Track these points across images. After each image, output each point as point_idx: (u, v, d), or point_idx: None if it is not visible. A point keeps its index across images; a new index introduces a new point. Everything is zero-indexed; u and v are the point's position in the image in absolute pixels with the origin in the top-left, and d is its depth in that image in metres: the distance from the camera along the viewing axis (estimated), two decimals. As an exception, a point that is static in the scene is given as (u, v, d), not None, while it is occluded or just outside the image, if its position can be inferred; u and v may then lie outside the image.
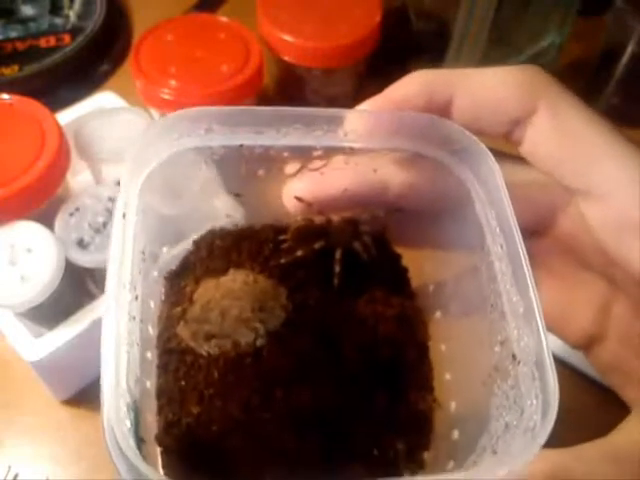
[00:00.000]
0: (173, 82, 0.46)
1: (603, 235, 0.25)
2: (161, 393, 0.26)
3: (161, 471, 0.24)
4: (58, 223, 0.39)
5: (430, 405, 0.27)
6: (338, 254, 0.28)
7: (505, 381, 0.22)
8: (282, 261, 0.28)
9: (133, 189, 0.24)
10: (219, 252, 0.29)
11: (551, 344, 0.40)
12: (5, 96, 0.42)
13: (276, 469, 0.24)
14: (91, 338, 0.40)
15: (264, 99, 0.53)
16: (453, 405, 0.27)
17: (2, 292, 0.37)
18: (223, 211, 0.30)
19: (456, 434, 0.25)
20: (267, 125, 0.25)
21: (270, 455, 0.25)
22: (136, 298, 0.23)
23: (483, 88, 0.26)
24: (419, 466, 0.26)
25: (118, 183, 0.45)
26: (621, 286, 0.26)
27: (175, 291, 0.28)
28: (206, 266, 0.29)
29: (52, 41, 0.59)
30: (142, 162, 0.24)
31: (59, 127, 0.41)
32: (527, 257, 0.22)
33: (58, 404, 0.43)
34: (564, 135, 0.25)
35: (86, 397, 0.43)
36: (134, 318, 0.23)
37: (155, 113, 0.48)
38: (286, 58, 0.50)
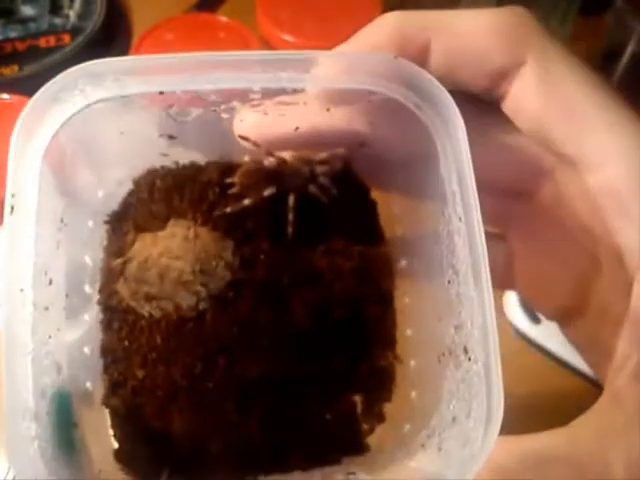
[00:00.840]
0: (173, 82, 0.46)
1: (592, 205, 0.23)
2: (105, 352, 0.25)
3: (110, 432, 0.24)
4: (58, 223, 0.39)
5: (391, 361, 0.26)
6: (291, 200, 0.25)
7: (457, 369, 0.21)
8: (228, 210, 0.25)
9: (29, 163, 0.21)
10: (160, 195, 0.26)
11: (551, 344, 0.41)
12: (5, 96, 0.42)
13: (218, 439, 0.23)
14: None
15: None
16: (412, 363, 0.25)
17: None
18: (156, 150, 0.27)
19: (414, 394, 0.24)
20: (193, 71, 0.23)
21: (212, 425, 0.24)
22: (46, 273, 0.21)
23: (463, 34, 0.23)
24: (378, 420, 0.25)
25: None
26: (603, 260, 0.24)
27: (117, 237, 0.26)
28: (147, 209, 0.26)
29: (52, 41, 0.59)
30: (39, 127, 0.22)
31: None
32: (485, 246, 0.20)
33: (58, 404, 0.43)
34: (554, 94, 0.22)
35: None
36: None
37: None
38: (286, 58, 0.50)
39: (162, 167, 0.27)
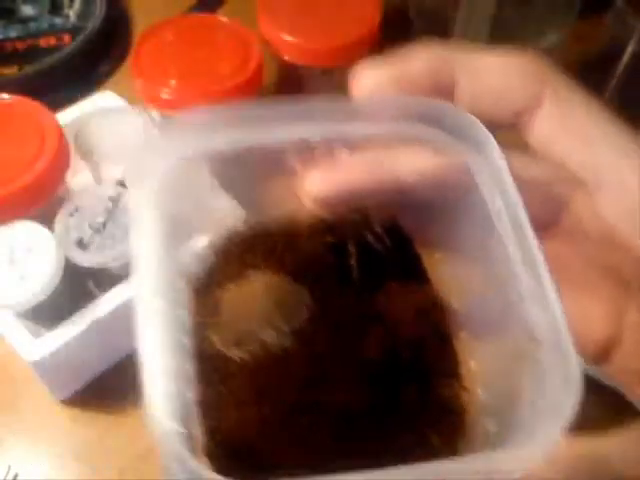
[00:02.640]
0: (173, 82, 0.46)
1: (615, 224, 0.24)
2: (200, 402, 0.26)
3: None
4: (58, 223, 0.39)
5: (458, 392, 0.26)
6: (352, 247, 0.28)
7: (529, 367, 0.22)
8: (297, 258, 0.28)
9: (144, 200, 0.23)
10: (234, 256, 0.29)
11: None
12: (5, 96, 0.43)
13: (314, 467, 0.24)
14: (91, 338, 0.40)
15: (264, 99, 0.53)
16: (481, 392, 0.26)
17: (2, 292, 0.37)
18: (228, 212, 0.30)
19: (487, 423, 0.25)
20: (269, 122, 0.24)
21: (307, 455, 0.25)
22: (165, 309, 0.24)
23: (487, 75, 0.25)
24: (455, 455, 0.25)
25: (118, 183, 0.45)
26: (633, 284, 0.25)
27: (200, 299, 0.28)
28: (225, 271, 0.29)
29: (52, 41, 0.59)
30: (148, 171, 0.24)
31: (59, 127, 0.41)
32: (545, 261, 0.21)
33: (58, 404, 0.43)
34: (570, 126, 0.25)
35: (86, 397, 0.43)
36: (167, 329, 0.23)
37: (155, 113, 0.48)
38: (286, 58, 0.50)
39: (233, 230, 0.29)
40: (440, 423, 0.26)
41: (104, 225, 0.39)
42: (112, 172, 0.45)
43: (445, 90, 0.25)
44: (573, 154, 0.25)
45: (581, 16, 0.59)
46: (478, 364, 0.27)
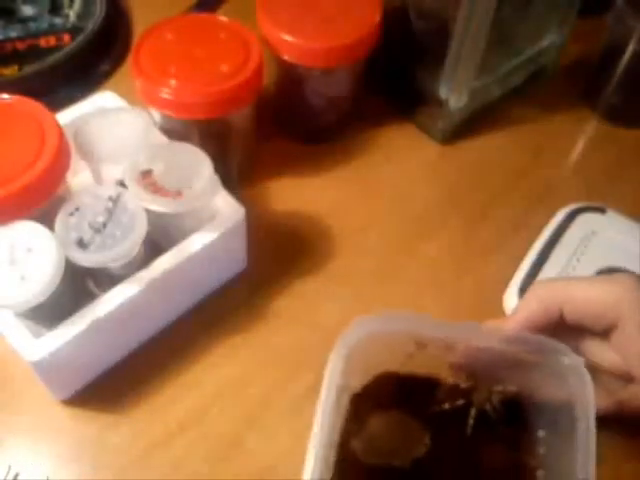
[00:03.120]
0: (173, 82, 0.46)
1: None
2: None
3: None
4: (58, 223, 0.39)
5: None
6: (473, 412, 0.39)
7: None
8: (432, 410, 0.40)
9: (337, 368, 0.35)
10: (387, 391, 0.41)
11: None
12: (5, 96, 0.43)
13: None
14: (91, 338, 0.40)
15: (264, 99, 0.53)
16: None
17: (2, 292, 0.37)
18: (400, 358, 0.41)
19: None
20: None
21: None
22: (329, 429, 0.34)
23: (584, 304, 0.37)
24: None
25: (118, 183, 0.45)
26: None
27: (354, 411, 0.40)
28: (377, 397, 0.41)
29: (52, 41, 0.59)
30: (345, 352, 0.36)
31: (59, 127, 0.41)
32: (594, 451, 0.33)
33: (58, 404, 0.43)
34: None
35: (86, 397, 0.43)
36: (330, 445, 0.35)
37: (155, 113, 0.48)
38: (286, 58, 0.50)
39: (393, 372, 0.41)
40: None
41: (104, 225, 0.39)
42: (112, 172, 0.45)
43: (554, 316, 0.38)
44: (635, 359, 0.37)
45: (581, 16, 0.59)
46: None
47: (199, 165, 0.43)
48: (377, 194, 0.54)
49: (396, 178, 0.55)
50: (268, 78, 0.52)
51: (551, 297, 0.38)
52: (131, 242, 0.39)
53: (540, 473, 0.38)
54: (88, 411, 0.43)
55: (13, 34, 0.59)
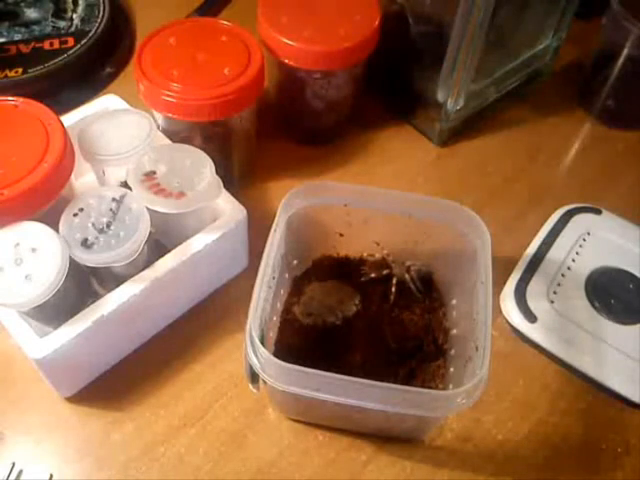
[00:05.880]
0: (175, 85, 0.46)
1: None
2: (279, 341, 0.45)
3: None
4: (62, 223, 0.40)
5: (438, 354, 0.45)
6: (394, 280, 0.47)
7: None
8: (361, 279, 0.48)
9: (283, 218, 0.42)
10: (325, 269, 0.49)
11: (547, 342, 0.46)
12: (10, 98, 0.43)
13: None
14: (95, 337, 0.41)
15: (265, 101, 0.53)
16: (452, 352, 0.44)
17: (7, 291, 0.37)
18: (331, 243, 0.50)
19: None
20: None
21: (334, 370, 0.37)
22: (274, 277, 0.42)
23: None
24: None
25: (121, 184, 0.45)
26: None
27: (296, 287, 0.48)
28: (316, 275, 0.49)
29: (56, 44, 0.60)
30: (289, 208, 0.43)
31: (63, 129, 0.42)
32: (490, 299, 0.38)
33: (62, 401, 0.43)
34: None
35: (90, 394, 0.43)
36: (270, 287, 0.41)
37: (158, 115, 0.49)
38: (287, 61, 0.51)
39: (328, 255, 0.49)
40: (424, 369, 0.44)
41: (108, 225, 0.40)
42: (116, 173, 0.46)
43: None
44: None
45: (577, 19, 0.59)
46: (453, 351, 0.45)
47: (201, 166, 0.43)
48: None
49: (394, 179, 0.56)
50: (269, 81, 0.52)
51: None
52: (134, 242, 0.39)
53: (454, 332, 0.45)
54: (92, 408, 0.43)
55: (17, 37, 0.60)
